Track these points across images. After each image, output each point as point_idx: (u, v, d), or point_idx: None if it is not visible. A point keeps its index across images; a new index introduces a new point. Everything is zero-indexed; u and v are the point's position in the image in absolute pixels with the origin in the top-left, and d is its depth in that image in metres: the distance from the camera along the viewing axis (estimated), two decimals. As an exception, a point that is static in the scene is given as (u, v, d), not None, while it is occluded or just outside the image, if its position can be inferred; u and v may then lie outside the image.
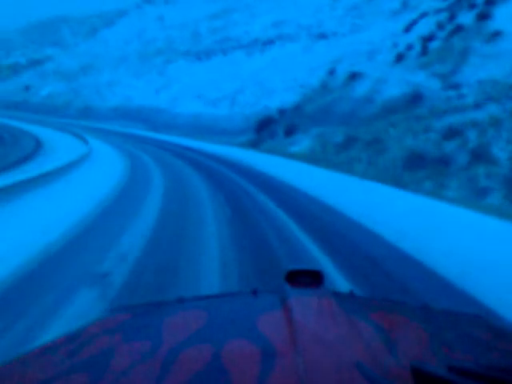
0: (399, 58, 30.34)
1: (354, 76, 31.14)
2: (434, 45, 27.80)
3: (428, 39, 28.75)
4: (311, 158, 21.04)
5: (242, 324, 1.17)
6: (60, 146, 26.56)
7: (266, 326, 1.10)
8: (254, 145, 30.16)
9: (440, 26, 29.46)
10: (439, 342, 1.11)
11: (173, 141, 32.62)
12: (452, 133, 15.19)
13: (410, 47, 29.87)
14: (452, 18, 29.26)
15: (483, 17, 25.47)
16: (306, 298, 1.31)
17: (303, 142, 26.35)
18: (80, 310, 4.38)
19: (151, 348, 1.02)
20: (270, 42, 54.86)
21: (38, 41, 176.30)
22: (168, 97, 51.81)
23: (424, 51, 27.91)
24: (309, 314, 1.19)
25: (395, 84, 27.14)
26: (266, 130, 31.20)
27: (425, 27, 31.73)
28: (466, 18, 27.62)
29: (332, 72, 36.26)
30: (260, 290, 1.43)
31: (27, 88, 73.85)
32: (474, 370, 0.75)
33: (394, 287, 5.16)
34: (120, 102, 56.35)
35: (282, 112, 32.97)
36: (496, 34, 22.63)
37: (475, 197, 11.89)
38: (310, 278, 1.50)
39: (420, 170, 14.49)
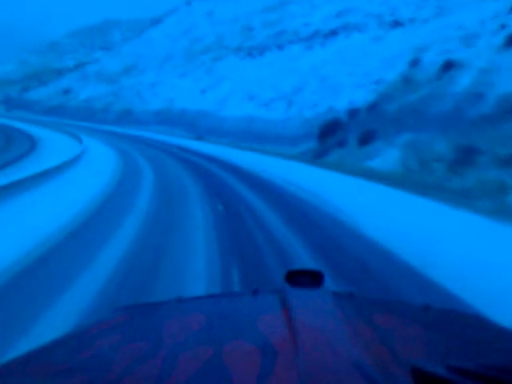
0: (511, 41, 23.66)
1: (449, 66, 24.60)
2: None
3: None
4: (405, 181, 14.89)
5: (242, 324, 1.19)
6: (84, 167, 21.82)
7: (266, 326, 1.12)
8: (317, 156, 24.24)
9: None
10: (439, 342, 1.13)
11: (216, 154, 26.47)
12: None
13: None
14: None
15: None
16: (305, 298, 1.33)
17: (387, 154, 20.16)
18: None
19: (151, 348, 1.04)
20: (332, 34, 48.93)
21: (88, 44, 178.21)
22: (215, 98, 46.79)
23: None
24: (309, 314, 1.19)
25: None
26: (333, 136, 25.19)
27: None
28: None
29: (415, 63, 29.79)
30: (260, 290, 1.47)
31: (66, 91, 71.29)
32: (473, 370, 0.77)
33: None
34: (161, 105, 51.95)
35: (352, 114, 26.88)
36: None
37: None
38: (309, 279, 1.49)
39: None
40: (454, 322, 1.40)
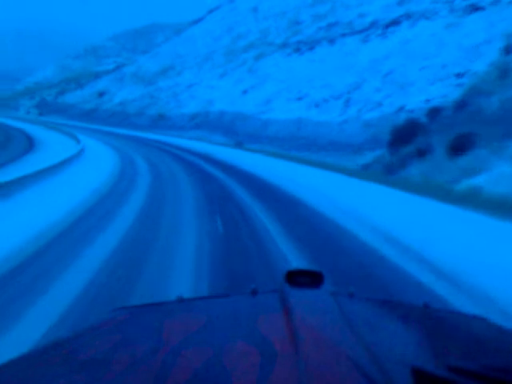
0: None
1: None
2: None
3: None
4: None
5: (242, 324, 1.20)
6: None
7: (266, 326, 1.13)
8: (390, 170, 18.81)
9: None
10: (439, 342, 1.15)
11: (259, 171, 19.02)
12: None
13: None
14: None
15: None
16: (305, 298, 1.35)
17: (496, 169, 14.55)
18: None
19: (151, 348, 1.05)
20: (394, 24, 43.16)
21: (131, 48, 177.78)
22: (258, 99, 41.93)
23: None
24: (309, 314, 1.20)
25: None
26: (409, 143, 19.66)
27: None
28: None
29: (510, 50, 23.87)
30: (260, 290, 1.47)
31: (101, 94, 68.16)
32: (473, 370, 0.79)
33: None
34: (198, 108, 47.55)
35: (433, 114, 21.23)
36: None
37: None
38: (309, 279, 1.50)
39: None
40: (453, 322, 1.41)
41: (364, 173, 19.55)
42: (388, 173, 18.59)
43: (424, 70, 28.87)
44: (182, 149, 29.59)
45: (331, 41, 47.40)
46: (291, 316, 1.14)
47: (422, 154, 18.22)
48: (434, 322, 1.37)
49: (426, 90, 25.92)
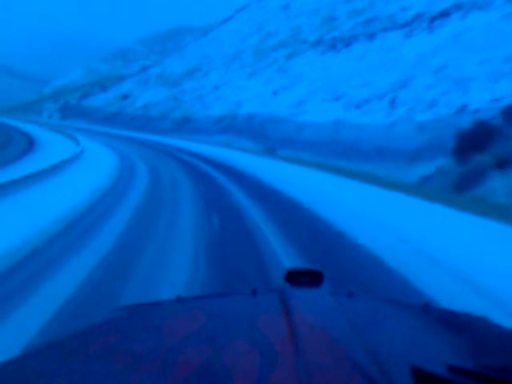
0: None
1: None
2: None
3: None
4: None
5: (242, 324, 1.20)
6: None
7: (266, 326, 1.14)
8: (459, 186, 15.17)
9: None
10: (439, 342, 1.16)
11: (296, 192, 14.58)
12: None
13: None
14: None
15: None
16: (305, 297, 1.35)
17: None
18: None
19: (151, 347, 1.06)
20: (442, 16, 39.25)
21: (159, 51, 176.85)
22: (290, 100, 38.55)
23: None
24: (308, 313, 1.20)
25: None
26: (482, 150, 15.99)
27: None
28: None
29: None
30: (260, 289, 1.47)
31: (124, 97, 65.76)
32: (473, 370, 0.79)
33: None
34: (225, 110, 44.43)
35: (509, 115, 17.50)
36: None
37: None
38: (309, 278, 1.50)
39: None
40: (453, 322, 1.41)
41: (425, 189, 15.91)
42: (458, 189, 14.96)
43: (483, 64, 25.02)
44: (206, 159, 25.19)
45: (370, 36, 43.72)
46: (291, 316, 1.14)
47: (503, 164, 14.54)
48: (434, 321, 1.37)
49: (490, 87, 22.11)
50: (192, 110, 49.97)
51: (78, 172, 18.81)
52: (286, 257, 7.19)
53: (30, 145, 34.57)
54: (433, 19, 39.85)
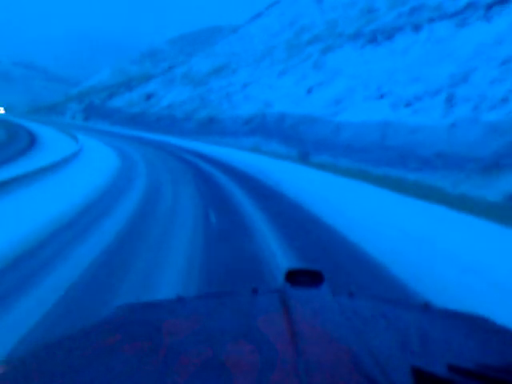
0: None
1: None
2: None
3: None
4: None
5: (242, 324, 1.20)
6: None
7: (266, 326, 1.14)
8: None
9: None
10: (439, 342, 1.16)
11: (333, 216, 11.13)
12: None
13: None
14: None
15: None
16: (305, 297, 1.34)
17: None
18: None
19: (151, 347, 1.06)
20: (499, 3, 34.65)
21: (187, 51, 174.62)
22: (326, 98, 34.54)
23: None
24: (309, 313, 1.21)
25: None
26: None
27: None
28: None
29: None
30: (260, 289, 1.49)
31: (149, 97, 62.67)
32: (474, 370, 0.80)
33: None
34: (254, 110, 40.67)
35: None
36: None
37: None
38: (310, 278, 1.50)
39: None
40: (453, 321, 1.40)
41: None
42: None
43: None
44: (234, 171, 20.24)
45: (416, 28, 39.33)
46: (291, 315, 1.15)
47: None
48: (434, 322, 1.37)
49: None
50: (219, 109, 46.38)
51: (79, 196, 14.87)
52: None
53: (31, 142, 31.99)
54: (489, 7, 35.30)
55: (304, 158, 26.63)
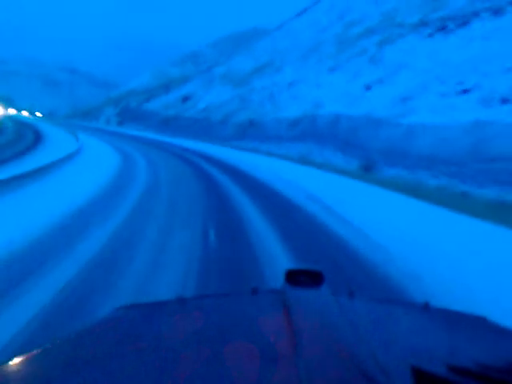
0: None
1: None
2: None
3: None
4: None
5: (242, 324, 1.20)
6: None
7: (266, 326, 1.13)
8: None
9: None
10: (439, 342, 1.16)
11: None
12: None
13: None
14: None
15: None
16: (305, 298, 1.34)
17: None
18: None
19: (151, 347, 1.05)
20: None
21: (229, 53, 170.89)
22: (390, 96, 28.69)
23: None
24: (309, 314, 1.20)
25: None
26: None
27: None
28: None
29: None
30: (260, 289, 1.47)
31: (185, 99, 57.99)
32: (474, 370, 0.80)
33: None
34: (301, 111, 35.12)
35: None
36: None
37: None
38: (310, 278, 1.48)
39: None
40: (454, 322, 1.39)
41: None
42: None
43: None
44: (273, 199, 13.48)
45: (496, 12, 33.04)
46: (291, 316, 1.13)
47: None
48: (434, 321, 1.36)
49: None
50: (260, 111, 41.04)
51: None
52: None
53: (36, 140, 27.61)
54: None
55: (367, 170, 20.84)
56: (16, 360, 1.04)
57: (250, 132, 37.97)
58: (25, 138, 36.40)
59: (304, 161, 24.51)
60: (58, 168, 17.95)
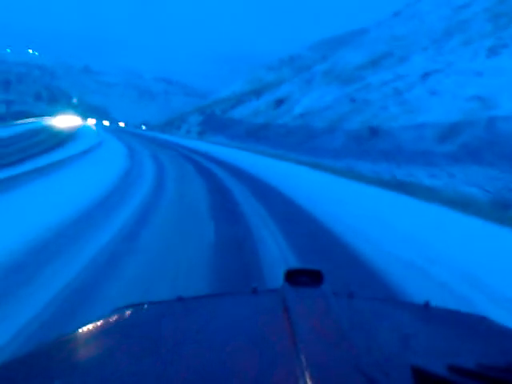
0: None
1: None
2: None
3: None
4: None
5: (242, 324, 1.21)
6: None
7: (266, 326, 1.14)
8: None
9: None
10: (439, 342, 1.16)
11: None
12: None
13: None
14: None
15: None
16: (305, 297, 1.34)
17: None
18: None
19: (151, 348, 1.05)
20: None
21: (328, 56, 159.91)
22: None
23: None
24: (309, 313, 1.20)
25: None
26: None
27: None
28: None
29: None
30: (260, 289, 1.47)
31: (279, 102, 47.01)
32: (474, 370, 0.80)
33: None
34: (453, 114, 22.66)
35: None
36: None
37: None
38: (309, 278, 1.49)
39: None
40: (455, 321, 1.39)
41: None
42: None
43: None
44: None
45: None
46: (291, 315, 1.14)
47: None
48: (434, 321, 1.36)
49: None
50: (383, 114, 28.89)
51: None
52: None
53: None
54: None
55: None
56: (16, 360, 1.04)
57: (373, 144, 25.84)
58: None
59: (497, 217, 11.14)
60: None
